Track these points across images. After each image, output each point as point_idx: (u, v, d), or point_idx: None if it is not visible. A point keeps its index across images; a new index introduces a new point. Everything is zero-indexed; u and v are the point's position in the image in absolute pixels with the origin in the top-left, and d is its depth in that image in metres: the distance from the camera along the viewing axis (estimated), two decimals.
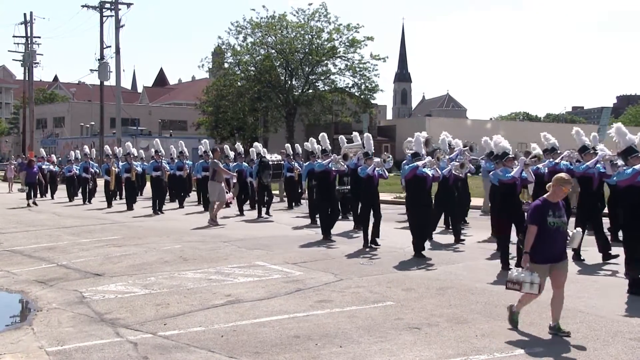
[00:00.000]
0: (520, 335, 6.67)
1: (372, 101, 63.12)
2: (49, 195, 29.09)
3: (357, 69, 60.37)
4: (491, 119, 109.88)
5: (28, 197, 24.40)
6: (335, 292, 8.74)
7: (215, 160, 18.05)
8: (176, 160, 24.32)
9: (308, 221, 17.22)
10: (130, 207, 21.97)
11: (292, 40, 59.22)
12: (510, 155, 10.72)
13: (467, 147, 15.18)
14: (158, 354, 6.28)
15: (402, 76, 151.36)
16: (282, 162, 20.97)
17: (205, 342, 6.61)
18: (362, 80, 60.62)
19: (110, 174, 23.67)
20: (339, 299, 8.39)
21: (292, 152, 22.30)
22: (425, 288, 8.92)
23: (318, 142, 16.72)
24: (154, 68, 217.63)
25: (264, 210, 19.06)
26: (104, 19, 50.34)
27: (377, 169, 13.00)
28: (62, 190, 29.43)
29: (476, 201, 18.51)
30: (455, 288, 8.90)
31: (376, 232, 12.93)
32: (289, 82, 61.25)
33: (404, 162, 14.15)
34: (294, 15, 60.14)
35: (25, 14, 56.86)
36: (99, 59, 50.08)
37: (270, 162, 19.42)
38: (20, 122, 67.80)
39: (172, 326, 7.24)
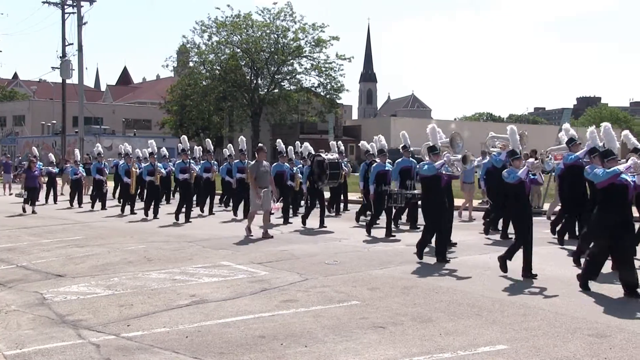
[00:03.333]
0: (483, 333, 6.75)
1: (338, 101, 63.31)
2: (42, 199, 24.13)
3: (323, 69, 60.47)
4: (455, 119, 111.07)
5: (25, 202, 20.93)
6: (300, 292, 8.74)
7: (258, 161, 14.58)
8: (202, 161, 21.34)
9: (378, 234, 14.26)
10: (150, 215, 18.84)
11: (257, 40, 59.05)
12: None
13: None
14: (121, 356, 6.21)
15: (368, 76, 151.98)
16: (340, 161, 17.03)
17: (169, 343, 6.55)
18: (328, 80, 60.76)
19: (131, 176, 20.58)
20: (305, 298, 8.39)
21: (337, 151, 19.00)
22: (390, 287, 8.97)
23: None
24: (118, 66, 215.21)
25: (302, 219, 16.40)
26: (66, 15, 49.48)
27: (530, 172, 9.60)
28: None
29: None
30: (419, 287, 8.97)
31: (529, 262, 9.59)
32: (255, 81, 61.12)
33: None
34: (260, 14, 60.00)
35: None
36: (60, 57, 49.23)
37: (327, 162, 16.11)
38: None
39: (135, 327, 7.16)
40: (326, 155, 16.58)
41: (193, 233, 15.21)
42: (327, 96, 61.02)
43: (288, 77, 62.04)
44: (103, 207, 22.07)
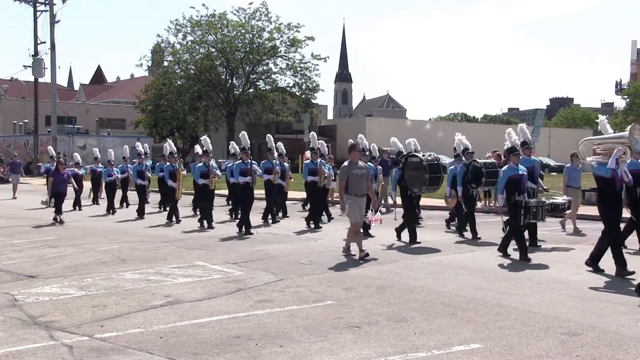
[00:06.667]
0: (457, 332, 6.80)
1: (313, 101, 63.49)
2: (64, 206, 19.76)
3: (298, 69, 60.62)
4: (430, 119, 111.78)
5: (57, 211, 17.74)
6: (275, 292, 8.73)
7: (351, 162, 11.58)
8: (263, 161, 17.95)
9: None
10: (207, 225, 16.05)
11: (232, 39, 58.97)
12: None
13: None
14: (94, 357, 6.14)
15: (343, 76, 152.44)
16: (438, 162, 13.54)
17: (143, 344, 6.50)
18: (303, 80, 60.92)
19: (177, 179, 17.60)
20: (280, 298, 8.38)
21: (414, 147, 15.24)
22: (365, 287, 8.99)
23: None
24: (92, 65, 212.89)
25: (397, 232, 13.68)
26: (38, 13, 49.05)
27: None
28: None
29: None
30: (394, 287, 9.00)
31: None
32: (230, 81, 61.02)
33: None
34: (235, 14, 59.99)
35: None
36: (33, 55, 48.72)
37: (424, 163, 13.13)
38: None
39: (109, 328, 7.09)
40: (423, 155, 13.61)
41: (168, 233, 15.12)
42: (303, 96, 61.14)
43: (263, 77, 62.07)
44: (141, 216, 18.82)
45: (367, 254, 11.18)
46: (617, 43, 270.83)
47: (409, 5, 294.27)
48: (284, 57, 61.05)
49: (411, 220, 13.46)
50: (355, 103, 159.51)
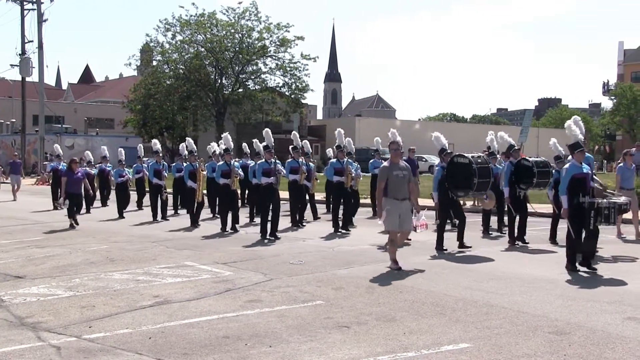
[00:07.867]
0: (446, 332, 6.82)
1: (303, 101, 63.42)
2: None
3: (288, 69, 60.55)
4: (419, 119, 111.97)
5: (71, 215, 16.48)
6: (265, 292, 8.72)
7: (392, 162, 10.43)
8: (288, 160, 16.16)
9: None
10: (226, 228, 15.25)
11: (222, 39, 58.82)
12: None
13: None
14: (82, 358, 6.11)
15: (333, 76, 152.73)
16: (488, 165, 12.26)
17: (132, 344, 6.48)
18: (293, 80, 60.87)
19: (198, 179, 16.55)
20: (269, 298, 8.37)
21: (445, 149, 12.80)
22: (355, 287, 9.00)
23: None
24: (80, 64, 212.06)
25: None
26: (26, 12, 48.79)
27: None
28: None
29: None
30: (383, 286, 9.01)
31: None
32: (219, 80, 60.87)
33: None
34: (224, 13, 59.85)
35: None
36: (20, 54, 48.45)
37: (474, 165, 11.83)
38: None
39: (97, 329, 7.06)
40: (472, 156, 12.17)
41: (156, 233, 15.08)
42: (292, 96, 61.10)
43: (253, 77, 61.98)
44: (164, 217, 18.00)
45: (399, 268, 10.17)
46: (605, 44, 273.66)
47: (398, 6, 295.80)
48: (274, 57, 61.02)
49: (442, 226, 12.28)
50: (344, 103, 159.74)
